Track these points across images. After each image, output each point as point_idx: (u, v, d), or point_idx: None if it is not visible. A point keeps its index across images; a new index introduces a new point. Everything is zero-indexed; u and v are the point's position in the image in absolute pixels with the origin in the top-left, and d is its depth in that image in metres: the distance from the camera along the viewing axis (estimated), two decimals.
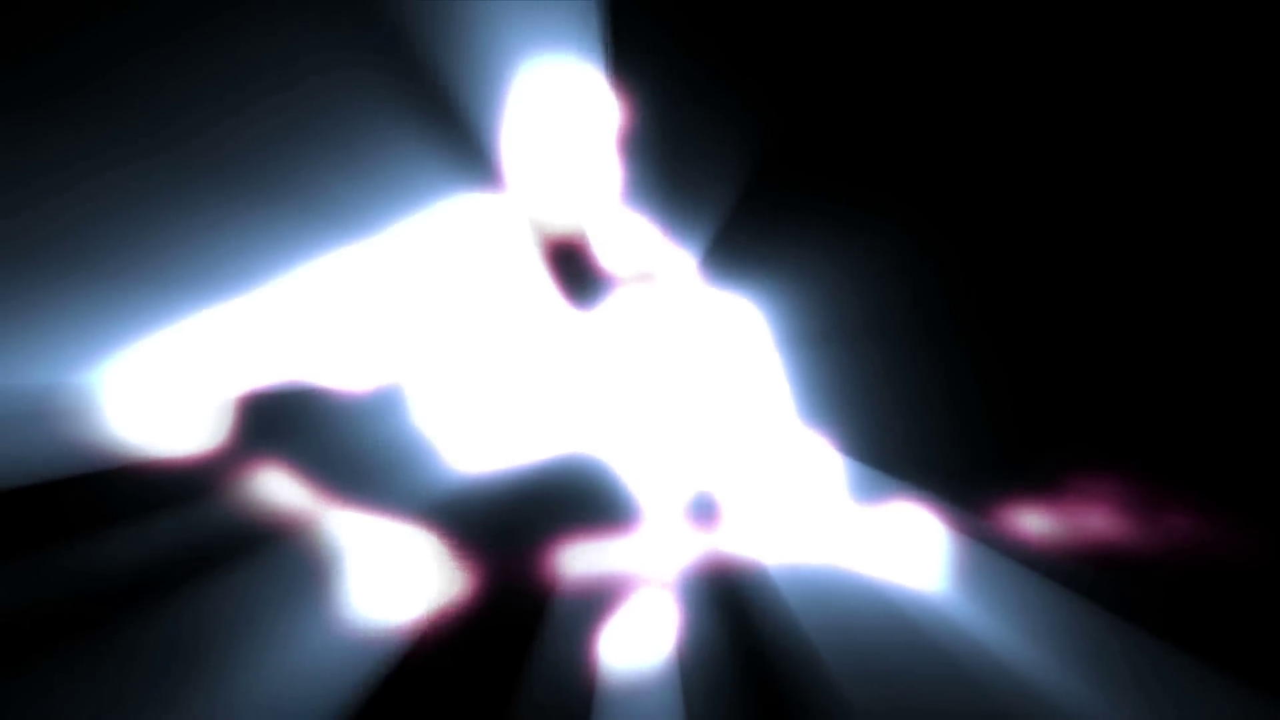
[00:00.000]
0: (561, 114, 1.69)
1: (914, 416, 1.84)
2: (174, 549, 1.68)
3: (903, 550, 1.74)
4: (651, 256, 1.75)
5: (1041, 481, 1.76)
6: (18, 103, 1.63)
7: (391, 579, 1.67)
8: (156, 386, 1.63)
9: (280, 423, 1.68)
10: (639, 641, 1.71)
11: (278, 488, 1.67)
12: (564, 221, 1.72)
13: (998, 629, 1.71)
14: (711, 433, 1.80)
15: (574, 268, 1.75)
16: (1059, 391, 1.85)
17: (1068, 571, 1.74)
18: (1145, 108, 1.82)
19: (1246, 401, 1.81)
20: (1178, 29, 1.78)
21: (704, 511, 1.76)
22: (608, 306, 1.78)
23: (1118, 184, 1.84)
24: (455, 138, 1.74)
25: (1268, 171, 1.79)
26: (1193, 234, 1.83)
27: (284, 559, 1.66)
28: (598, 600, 1.70)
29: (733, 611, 1.72)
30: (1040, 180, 1.85)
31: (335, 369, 1.71)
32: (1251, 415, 1.81)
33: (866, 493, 1.77)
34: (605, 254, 1.74)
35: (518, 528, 1.70)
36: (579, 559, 1.70)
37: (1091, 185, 1.85)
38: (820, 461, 1.78)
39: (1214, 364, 1.83)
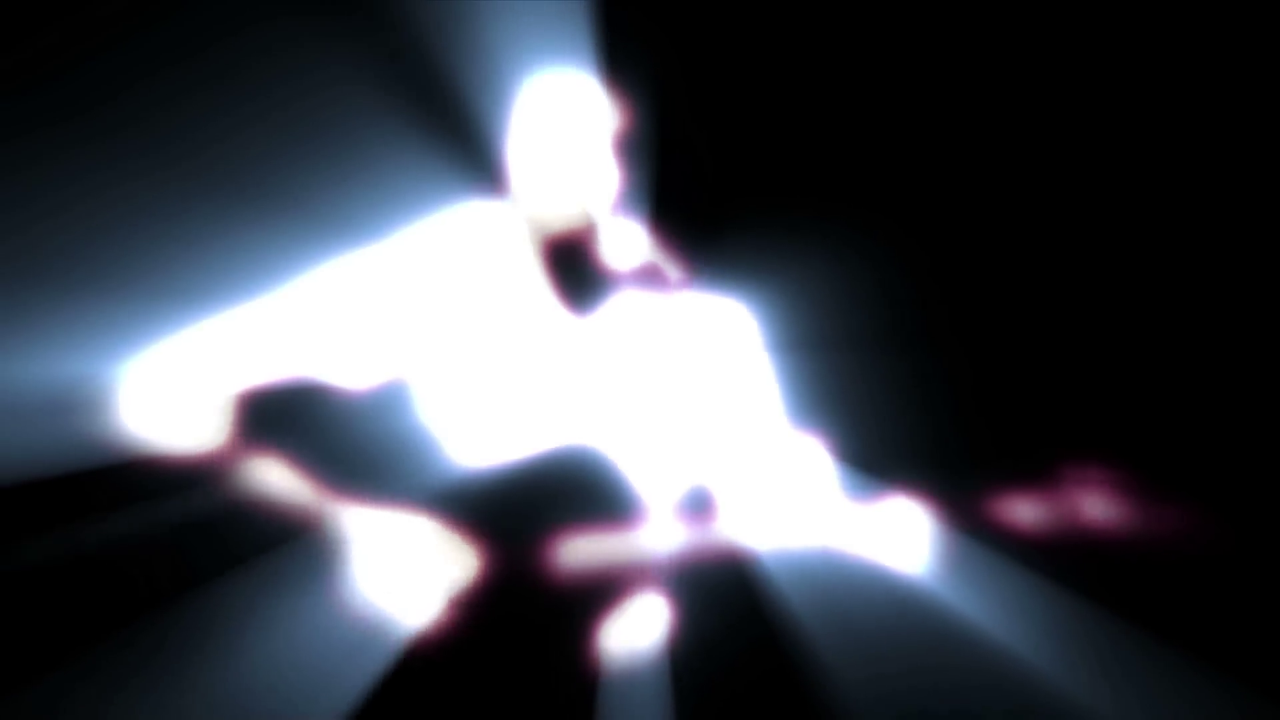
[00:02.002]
0: (560, 121, 1.73)
1: (899, 417, 1.91)
2: (183, 542, 1.72)
3: (891, 543, 1.80)
4: (649, 262, 1.80)
5: (1023, 476, 1.82)
6: (44, 119, 1.67)
7: (396, 571, 1.70)
8: (173, 384, 1.66)
9: (288, 418, 1.71)
10: (637, 632, 1.76)
11: (285, 481, 1.70)
12: (564, 227, 1.76)
13: (981, 616, 1.78)
14: (706, 431, 1.85)
15: (573, 272, 1.79)
16: (1037, 392, 1.92)
17: (1048, 562, 1.81)
18: (1108, 112, 1.90)
19: (1222, 398, 1.89)
20: (1139, 44, 1.87)
21: (699, 506, 1.81)
22: (606, 310, 1.82)
23: (1086, 187, 1.92)
24: (458, 147, 1.79)
25: (1222, 166, 1.88)
26: (1156, 235, 1.91)
27: (291, 551, 1.69)
28: (598, 592, 1.75)
29: (728, 602, 1.77)
30: (1015, 190, 1.92)
31: (342, 367, 1.74)
32: (1228, 411, 1.89)
33: (855, 490, 1.83)
34: (604, 259, 1.78)
35: (519, 520, 1.73)
36: (579, 551, 1.74)
37: (1062, 191, 1.92)
38: (810, 460, 1.84)
39: (1188, 362, 1.91)
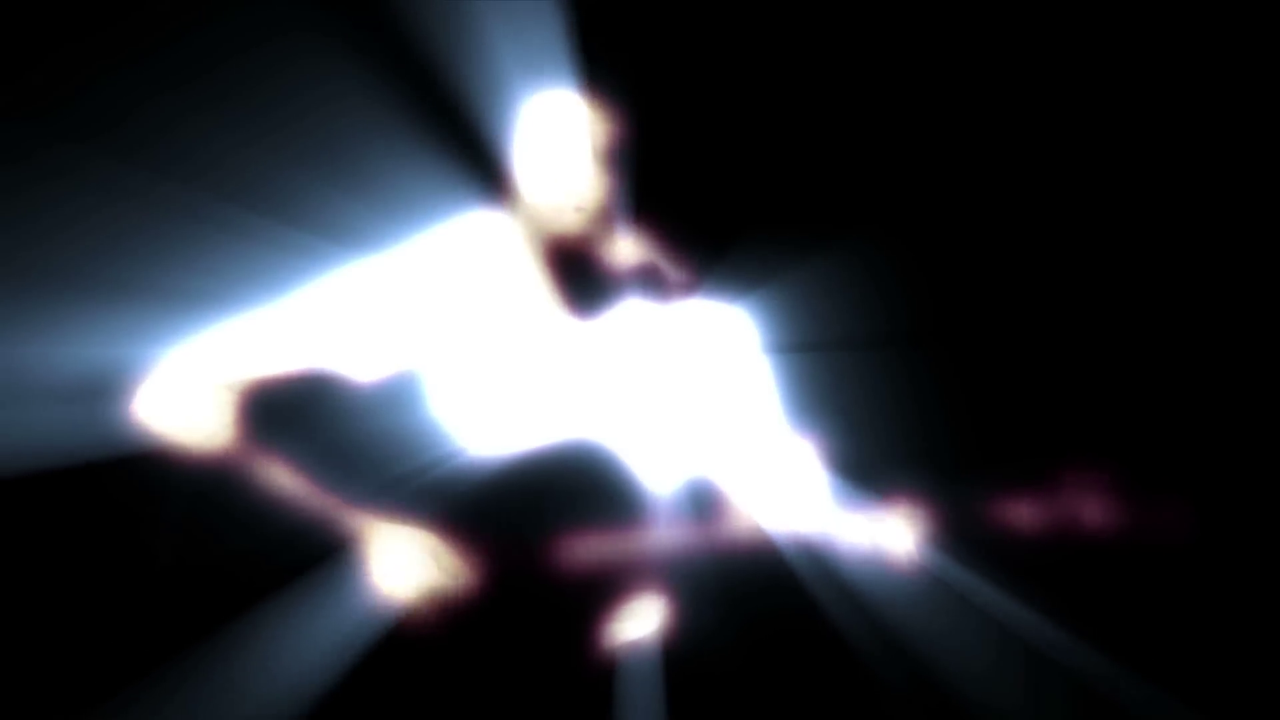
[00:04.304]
0: (563, 127, 1.76)
1: (896, 421, 1.94)
2: (194, 538, 1.76)
3: (887, 542, 1.82)
4: (651, 267, 1.83)
5: (1017, 479, 1.84)
6: (70, 136, 1.75)
7: (400, 568, 1.72)
8: (189, 383, 1.71)
9: (296, 416, 1.75)
10: (641, 627, 1.79)
11: (292, 479, 1.73)
12: (567, 232, 1.79)
13: (977, 615, 1.81)
14: (706, 431, 1.88)
15: (576, 277, 1.82)
16: (1032, 396, 1.95)
17: (1042, 562, 1.83)
18: (1100, 111, 1.92)
19: (1217, 400, 1.91)
20: (1119, 46, 1.90)
21: (698, 501, 1.83)
22: (609, 314, 1.85)
23: (1076, 193, 1.95)
24: (463, 156, 1.84)
25: (1213, 167, 1.90)
26: (1145, 238, 1.94)
27: (299, 550, 1.72)
28: (602, 587, 1.77)
29: (729, 596, 1.80)
30: (1008, 195, 1.95)
31: (351, 368, 1.78)
32: (1223, 413, 1.90)
33: (851, 491, 1.86)
34: (606, 264, 1.81)
35: (523, 517, 1.76)
36: (583, 547, 1.77)
37: (1053, 199, 1.95)
38: (807, 461, 1.87)
39: (1182, 364, 1.93)
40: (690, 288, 1.86)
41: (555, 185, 1.77)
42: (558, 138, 1.77)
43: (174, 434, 1.69)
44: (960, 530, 1.81)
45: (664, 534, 1.81)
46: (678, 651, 1.79)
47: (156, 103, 1.83)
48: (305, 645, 1.70)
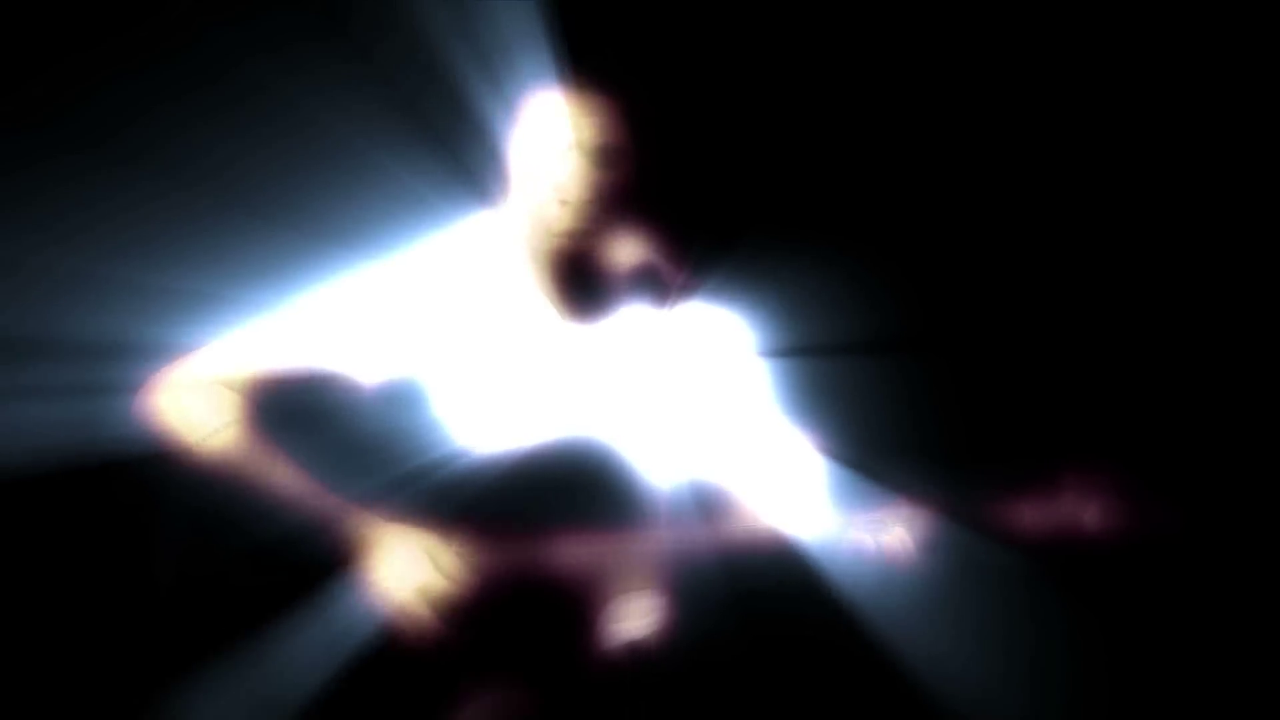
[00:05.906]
0: (559, 129, 1.77)
1: (889, 422, 1.95)
2: (192, 540, 1.77)
3: (885, 542, 1.83)
4: (649, 270, 1.83)
5: (1017, 479, 1.85)
6: (77, 144, 1.78)
7: (402, 569, 1.72)
8: (187, 386, 1.73)
9: (297, 417, 1.76)
10: (643, 627, 1.79)
11: (292, 480, 1.74)
12: (566, 236, 1.80)
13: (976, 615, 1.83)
14: (705, 433, 1.89)
15: (576, 281, 1.82)
16: (1032, 395, 1.96)
17: (1040, 563, 1.84)
18: (1102, 111, 1.94)
19: (1217, 400, 1.92)
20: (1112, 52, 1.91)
21: (700, 502, 1.84)
22: (607, 318, 1.85)
23: (1075, 192, 1.96)
24: (463, 158, 1.85)
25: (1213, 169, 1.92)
26: (1144, 238, 1.95)
27: (298, 551, 1.73)
28: (604, 587, 1.78)
29: (731, 595, 1.80)
30: (1009, 196, 1.96)
31: (352, 369, 1.79)
32: (1223, 414, 1.91)
33: (850, 491, 1.86)
34: (606, 268, 1.82)
35: (526, 516, 1.77)
36: (586, 547, 1.78)
37: (1051, 199, 1.96)
38: (807, 461, 1.88)
39: (1181, 365, 1.94)
40: (688, 290, 1.87)
41: (551, 185, 1.77)
42: (553, 138, 1.77)
43: (176, 436, 1.70)
44: (962, 530, 1.82)
45: (665, 534, 1.82)
46: (679, 651, 1.79)
47: (161, 110, 1.86)
48: (308, 649, 1.70)
